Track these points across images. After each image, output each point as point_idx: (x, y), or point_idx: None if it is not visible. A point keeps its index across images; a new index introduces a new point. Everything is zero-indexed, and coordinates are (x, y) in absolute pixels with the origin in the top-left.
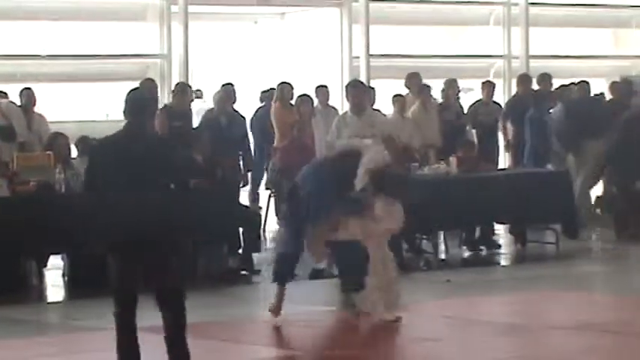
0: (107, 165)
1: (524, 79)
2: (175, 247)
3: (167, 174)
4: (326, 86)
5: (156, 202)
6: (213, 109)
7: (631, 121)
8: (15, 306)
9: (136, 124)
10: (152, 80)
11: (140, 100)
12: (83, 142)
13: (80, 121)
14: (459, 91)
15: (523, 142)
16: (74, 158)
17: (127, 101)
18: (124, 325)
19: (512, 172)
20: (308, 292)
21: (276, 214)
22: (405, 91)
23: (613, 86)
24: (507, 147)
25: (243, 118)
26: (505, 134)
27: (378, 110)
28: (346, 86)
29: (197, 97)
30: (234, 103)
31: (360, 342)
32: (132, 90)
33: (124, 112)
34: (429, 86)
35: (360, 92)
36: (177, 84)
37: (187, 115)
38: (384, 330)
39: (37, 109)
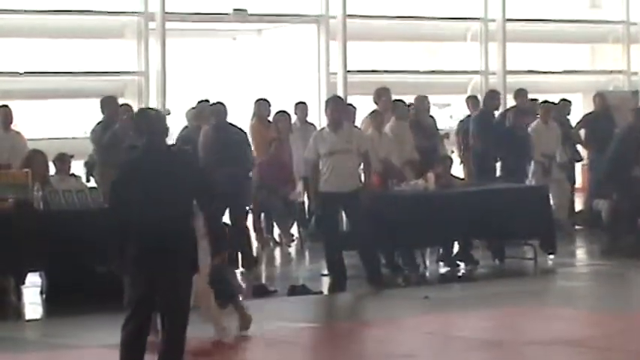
0: (137, 182)
1: (492, 95)
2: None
3: (197, 189)
4: (305, 103)
5: (183, 218)
6: (187, 126)
7: (624, 136)
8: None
9: (157, 141)
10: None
11: (158, 118)
12: (61, 160)
13: (58, 138)
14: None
15: (489, 156)
16: (52, 176)
17: (144, 119)
18: (135, 343)
19: (490, 187)
20: (285, 309)
21: (254, 230)
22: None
23: (598, 98)
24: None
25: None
26: (459, 148)
27: (355, 126)
28: (325, 102)
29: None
30: (208, 120)
31: (337, 357)
32: (142, 109)
33: (140, 130)
34: (402, 102)
35: (337, 108)
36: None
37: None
38: (362, 345)
39: (14, 126)
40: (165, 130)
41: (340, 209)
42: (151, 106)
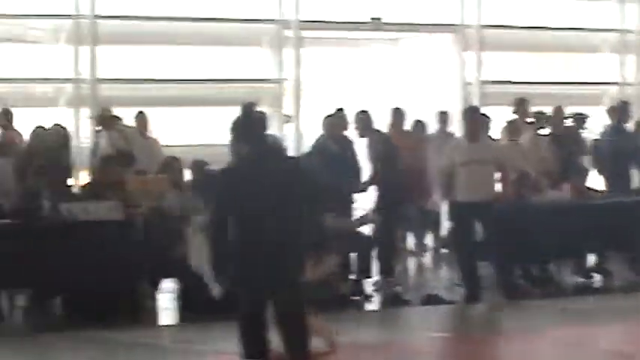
0: (242, 189)
1: (623, 106)
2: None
3: (308, 195)
4: (446, 112)
5: (294, 225)
6: (323, 134)
7: None
8: (129, 329)
9: (261, 147)
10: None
11: (261, 122)
12: (196, 167)
13: (194, 145)
14: (582, 120)
15: (625, 168)
16: (187, 182)
17: (247, 125)
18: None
19: (626, 199)
20: (419, 318)
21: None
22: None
23: None
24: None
25: (352, 142)
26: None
27: (490, 137)
28: (462, 112)
29: (286, 122)
30: (345, 129)
31: None
32: (245, 115)
33: (241, 136)
34: (543, 113)
35: (475, 119)
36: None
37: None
38: (495, 356)
39: (150, 133)
40: (265, 135)
41: (475, 219)
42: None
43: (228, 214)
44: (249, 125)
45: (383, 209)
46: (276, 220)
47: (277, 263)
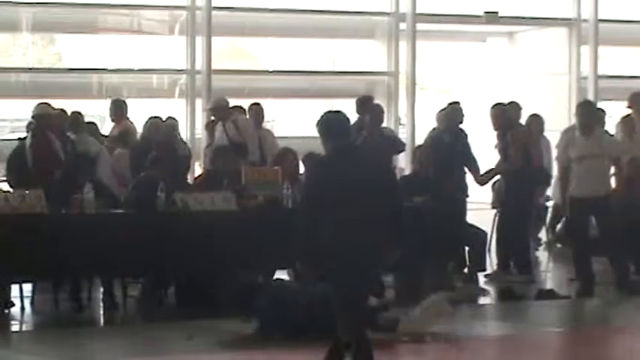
0: (330, 185)
1: None
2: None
3: (388, 193)
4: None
5: (380, 222)
6: (437, 127)
7: None
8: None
9: (347, 144)
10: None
11: (345, 121)
12: (310, 159)
13: (307, 137)
14: None
15: None
16: (302, 174)
17: (333, 123)
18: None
19: None
20: (532, 312)
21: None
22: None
23: None
24: None
25: (466, 135)
26: None
27: (606, 131)
28: (576, 106)
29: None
30: (460, 122)
31: None
32: (330, 112)
33: (329, 134)
34: None
35: (589, 113)
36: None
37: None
38: (609, 352)
39: (265, 124)
40: (348, 132)
41: (590, 214)
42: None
43: (318, 211)
44: (331, 124)
45: (516, 202)
46: (362, 218)
47: (366, 263)
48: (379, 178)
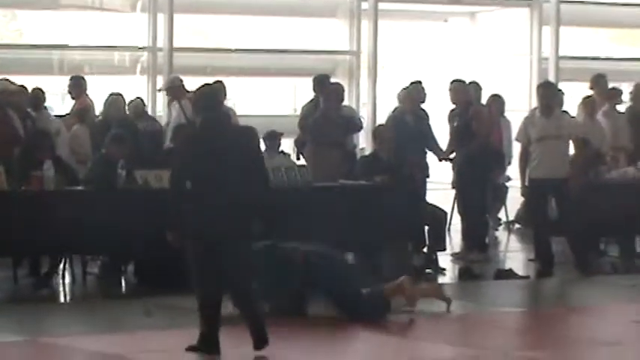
0: (197, 158)
1: None
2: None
3: (254, 167)
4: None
5: (244, 196)
6: (398, 107)
7: None
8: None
9: (213, 118)
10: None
11: (215, 95)
12: (271, 137)
13: (268, 116)
14: None
15: None
16: (263, 152)
17: (202, 96)
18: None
19: None
20: (491, 292)
21: (458, 212)
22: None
23: None
24: None
25: (428, 116)
26: None
27: (566, 112)
28: (537, 87)
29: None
30: (422, 101)
31: (543, 344)
32: (204, 86)
33: (199, 107)
34: (619, 89)
35: (550, 93)
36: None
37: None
38: (566, 331)
39: (226, 102)
40: (219, 106)
41: (549, 195)
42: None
43: (187, 173)
44: (205, 96)
45: (473, 181)
46: (226, 181)
47: (229, 219)
48: (244, 154)
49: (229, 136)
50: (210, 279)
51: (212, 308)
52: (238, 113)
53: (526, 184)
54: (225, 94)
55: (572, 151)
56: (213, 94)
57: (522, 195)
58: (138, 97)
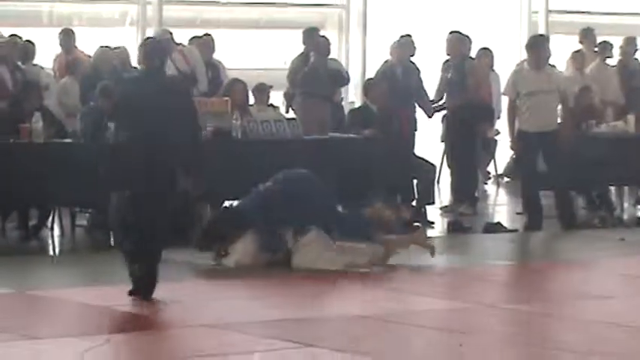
0: (128, 106)
1: None
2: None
3: (185, 120)
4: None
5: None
6: (388, 59)
7: None
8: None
9: (152, 70)
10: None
11: (156, 47)
12: (260, 90)
13: (258, 69)
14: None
15: None
16: (251, 105)
17: (142, 48)
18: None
19: None
20: (480, 246)
21: (448, 166)
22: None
23: None
24: None
25: (419, 69)
26: None
27: (553, 66)
28: (528, 40)
29: None
30: (412, 55)
31: (532, 297)
32: (147, 38)
33: (140, 58)
34: (609, 43)
35: (540, 47)
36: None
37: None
38: (555, 284)
39: (215, 55)
40: (159, 59)
41: (538, 149)
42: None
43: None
44: (147, 48)
45: (462, 135)
46: (150, 134)
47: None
48: (177, 105)
49: (157, 91)
50: (132, 229)
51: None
52: (228, 66)
53: (515, 137)
54: (213, 47)
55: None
56: (150, 49)
57: (511, 148)
58: (122, 46)
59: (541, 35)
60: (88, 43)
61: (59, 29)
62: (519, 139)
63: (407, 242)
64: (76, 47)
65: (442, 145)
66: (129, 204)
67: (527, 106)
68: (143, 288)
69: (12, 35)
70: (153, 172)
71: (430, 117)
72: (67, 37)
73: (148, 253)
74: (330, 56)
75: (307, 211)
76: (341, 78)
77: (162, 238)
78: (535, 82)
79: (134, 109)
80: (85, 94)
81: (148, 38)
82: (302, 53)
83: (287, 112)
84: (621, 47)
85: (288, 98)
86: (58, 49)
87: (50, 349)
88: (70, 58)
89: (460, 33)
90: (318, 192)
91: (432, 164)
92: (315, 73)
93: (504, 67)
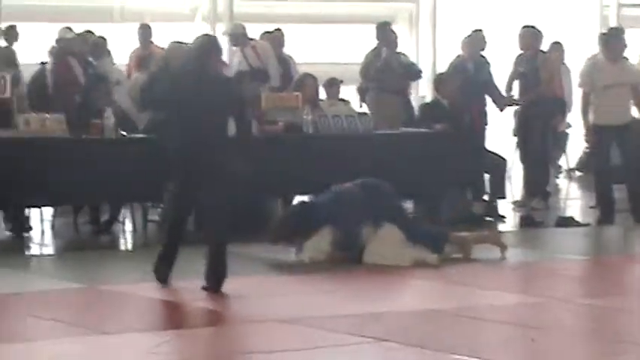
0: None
1: None
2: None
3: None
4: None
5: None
6: (460, 54)
7: None
8: (261, 245)
9: (199, 65)
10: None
11: (199, 47)
12: (331, 84)
13: (329, 63)
14: None
15: None
16: (322, 100)
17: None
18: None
19: None
20: (552, 240)
21: (520, 160)
22: None
23: None
24: None
25: (489, 64)
26: None
27: (626, 58)
28: (604, 33)
29: None
30: (483, 49)
31: (605, 291)
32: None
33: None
34: None
35: (617, 40)
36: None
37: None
38: (630, 278)
39: (285, 50)
40: (205, 55)
41: (612, 142)
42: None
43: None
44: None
45: (534, 129)
46: (207, 124)
47: (208, 161)
48: (221, 101)
49: (207, 84)
50: (180, 205)
51: (174, 230)
52: (299, 61)
53: (589, 130)
54: (283, 42)
55: None
56: (199, 46)
57: (585, 141)
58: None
59: (617, 27)
60: (159, 39)
61: (130, 25)
62: (594, 132)
63: (480, 240)
64: (152, 42)
65: (514, 140)
66: (171, 198)
67: (603, 99)
68: (210, 280)
69: (84, 31)
70: (199, 163)
71: (502, 110)
72: (145, 32)
73: (213, 243)
74: (399, 50)
75: (382, 212)
76: (414, 72)
77: (224, 228)
78: (612, 74)
79: (175, 104)
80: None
81: (201, 36)
82: (375, 48)
83: (360, 106)
84: None
85: (362, 93)
86: (129, 46)
87: (119, 344)
88: (145, 53)
89: (533, 27)
90: (393, 197)
91: (503, 158)
92: (389, 67)
93: (575, 62)
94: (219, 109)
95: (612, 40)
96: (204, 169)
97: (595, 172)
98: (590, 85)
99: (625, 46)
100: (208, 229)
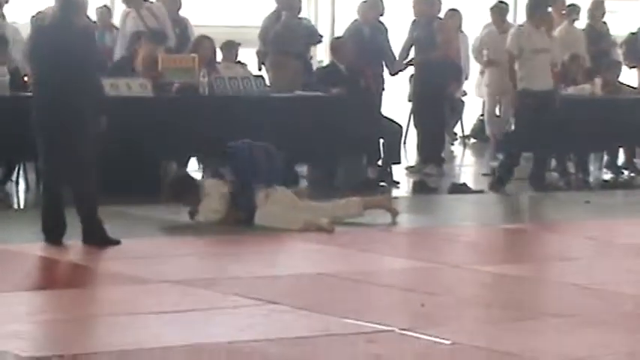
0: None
1: None
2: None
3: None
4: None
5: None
6: (356, 19)
7: None
8: (155, 206)
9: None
10: None
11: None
12: (228, 47)
13: (227, 26)
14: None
15: None
16: (219, 62)
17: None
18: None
19: None
20: (445, 206)
21: (414, 126)
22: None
23: None
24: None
25: (387, 29)
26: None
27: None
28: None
29: None
30: (381, 15)
31: (496, 258)
32: None
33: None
34: (577, 6)
35: (543, 6)
36: None
37: None
38: (522, 246)
39: (182, 12)
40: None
41: (538, 108)
42: None
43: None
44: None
45: (430, 95)
46: (62, 76)
47: (61, 113)
48: (76, 55)
49: (68, 39)
50: (50, 170)
51: (52, 196)
52: (196, 23)
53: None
54: (180, 4)
55: None
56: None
57: (514, 106)
58: (104, 5)
59: None
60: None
61: None
62: (520, 98)
63: (372, 204)
64: None
65: (409, 105)
66: (42, 153)
67: (529, 65)
68: (85, 234)
69: None
70: (63, 114)
71: (393, 75)
72: None
73: (80, 198)
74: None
75: (275, 175)
76: (315, 36)
77: (91, 189)
78: (538, 40)
79: (38, 58)
80: None
81: None
82: (274, 11)
83: (259, 69)
84: (589, 10)
85: (261, 56)
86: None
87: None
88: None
89: None
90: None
91: (398, 124)
92: (289, 31)
93: (472, 30)
94: (79, 64)
95: (537, 5)
96: (64, 127)
97: (514, 137)
98: (517, 49)
99: (547, 11)
100: (76, 192)
